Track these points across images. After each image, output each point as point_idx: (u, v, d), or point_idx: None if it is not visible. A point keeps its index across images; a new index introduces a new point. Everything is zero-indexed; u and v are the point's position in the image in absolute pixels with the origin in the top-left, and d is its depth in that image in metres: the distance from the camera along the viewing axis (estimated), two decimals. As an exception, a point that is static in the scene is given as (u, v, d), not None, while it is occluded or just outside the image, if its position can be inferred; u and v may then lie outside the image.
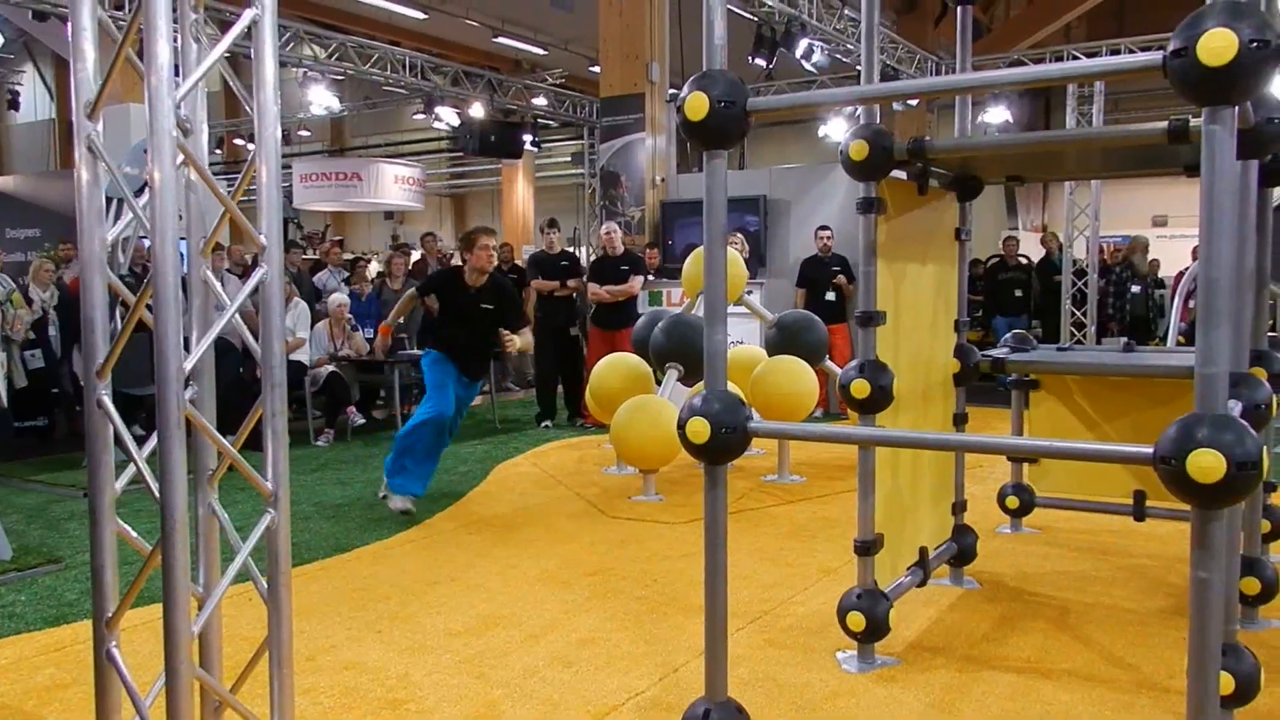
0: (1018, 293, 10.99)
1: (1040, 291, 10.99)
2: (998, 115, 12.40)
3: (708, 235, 2.29)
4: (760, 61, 9.64)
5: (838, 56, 10.23)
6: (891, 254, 3.31)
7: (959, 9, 3.74)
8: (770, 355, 6.34)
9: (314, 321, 8.10)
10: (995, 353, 4.14)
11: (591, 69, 15.11)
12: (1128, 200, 16.12)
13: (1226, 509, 1.83)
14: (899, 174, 3.34)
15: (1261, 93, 1.87)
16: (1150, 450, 1.86)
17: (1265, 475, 3.91)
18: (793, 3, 9.05)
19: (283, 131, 5.24)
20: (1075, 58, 11.17)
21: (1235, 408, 2.55)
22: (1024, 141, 3.75)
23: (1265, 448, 1.83)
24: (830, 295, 8.62)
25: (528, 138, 13.01)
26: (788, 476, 6.04)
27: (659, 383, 6.17)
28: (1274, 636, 3.42)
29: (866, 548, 3.13)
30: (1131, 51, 10.66)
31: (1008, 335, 4.72)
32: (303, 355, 7.73)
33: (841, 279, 8.60)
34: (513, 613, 3.75)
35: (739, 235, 8.23)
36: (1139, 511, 4.12)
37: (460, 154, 19.41)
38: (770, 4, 8.84)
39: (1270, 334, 3.66)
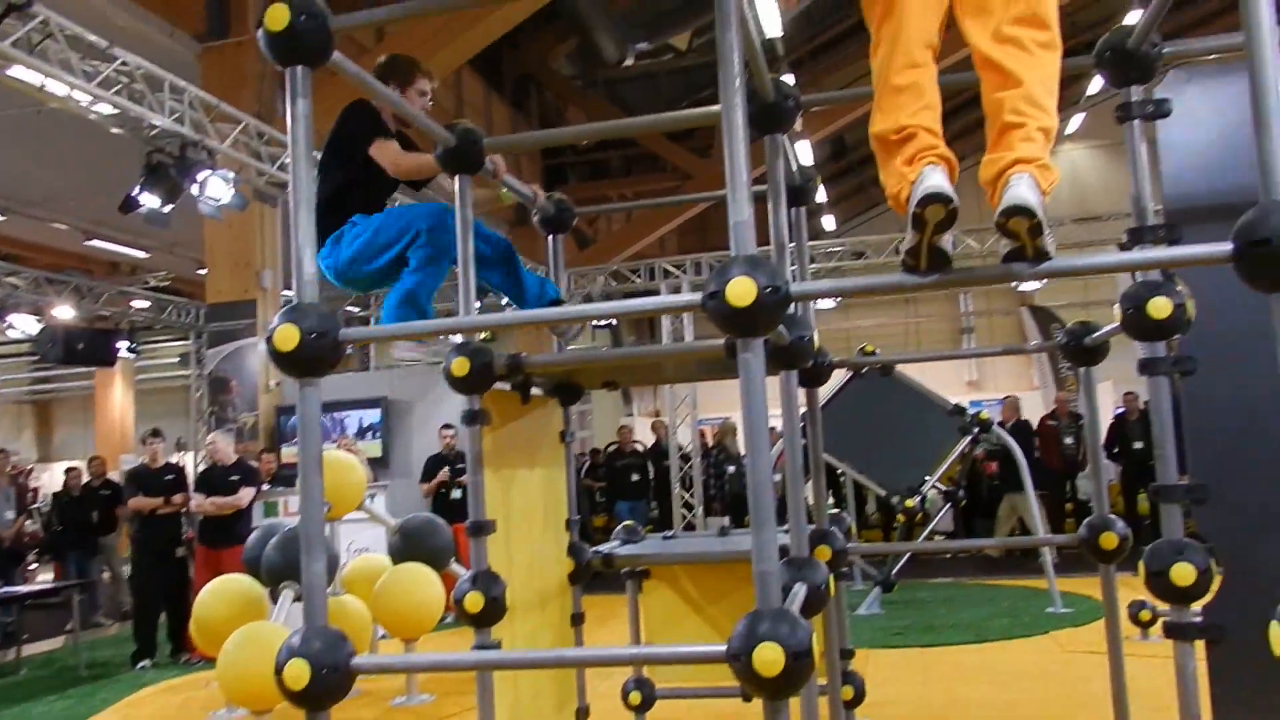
0: (635, 477, 11.70)
1: (655, 475, 11.80)
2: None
3: (302, 465, 2.25)
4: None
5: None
6: (499, 462, 3.42)
7: (550, 238, 4.10)
8: (395, 563, 6.17)
9: None
10: (605, 547, 4.35)
11: (200, 271, 14.47)
12: (726, 383, 17.95)
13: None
14: (502, 385, 3.52)
15: (780, 325, 2.21)
16: (724, 649, 2.03)
17: (845, 641, 4.33)
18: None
19: None
20: (666, 271, 12.53)
21: (800, 591, 2.88)
22: (608, 357, 4.09)
23: (814, 635, 2.06)
24: (456, 493, 8.64)
25: (123, 344, 12.06)
26: (417, 697, 5.79)
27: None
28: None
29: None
30: (711, 267, 12.15)
31: (619, 528, 4.99)
32: None
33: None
34: None
35: (348, 437, 8.09)
36: (744, 693, 4.41)
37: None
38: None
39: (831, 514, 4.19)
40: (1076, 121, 19.02)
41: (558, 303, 3.86)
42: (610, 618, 7.18)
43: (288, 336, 2.21)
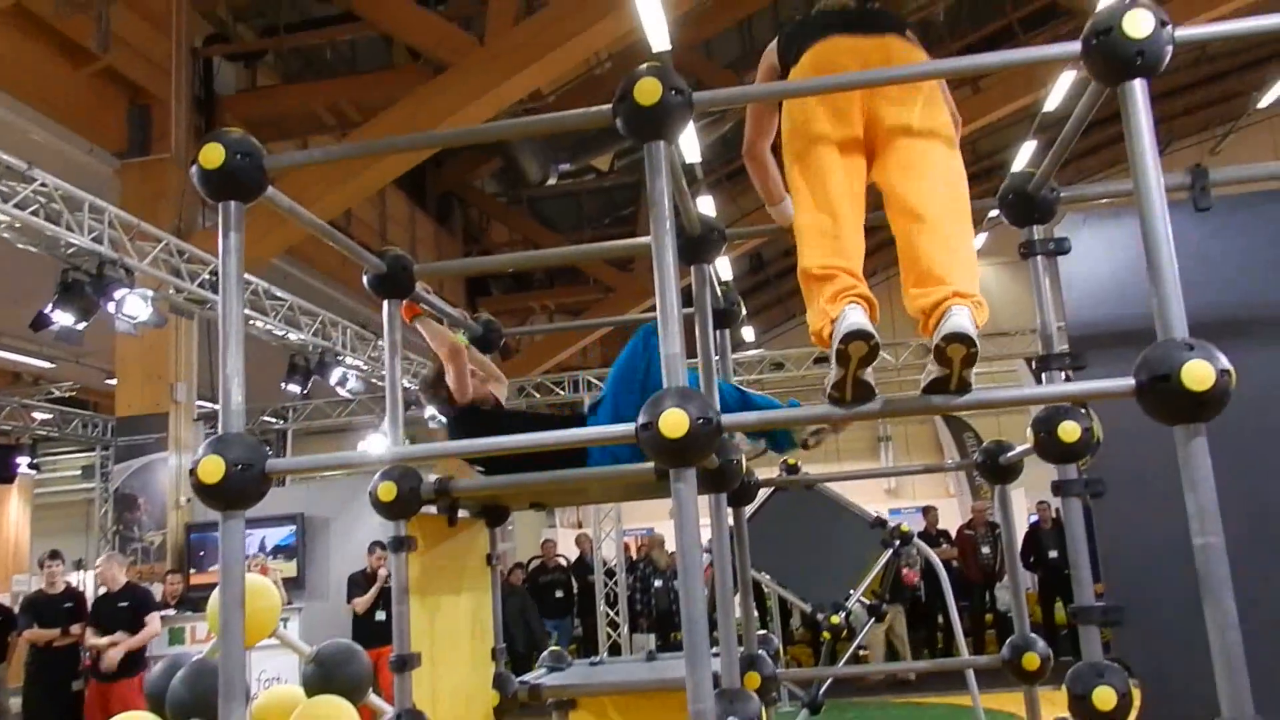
0: (559, 594, 11.48)
1: (579, 591, 11.58)
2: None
3: (223, 604, 2.18)
4: (294, 387, 9.67)
5: (374, 380, 10.59)
6: (425, 589, 3.34)
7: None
8: (309, 694, 5.88)
9: None
10: (531, 677, 4.25)
11: (109, 381, 14.05)
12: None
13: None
14: (429, 508, 3.47)
15: (711, 454, 2.25)
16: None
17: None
18: (325, 335, 9.34)
19: None
20: (590, 383, 12.61)
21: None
22: (537, 480, 4.09)
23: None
24: (380, 615, 8.36)
25: (23, 460, 11.57)
26: (331, 832, 5.46)
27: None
28: None
29: None
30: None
31: (545, 654, 4.88)
32: None
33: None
34: None
35: (260, 556, 7.82)
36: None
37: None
38: (303, 337, 9.04)
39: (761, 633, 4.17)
40: (981, 240, 19.93)
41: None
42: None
43: (212, 469, 2.17)
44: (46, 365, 16.04)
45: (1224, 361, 2.01)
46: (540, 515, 19.33)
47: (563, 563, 11.80)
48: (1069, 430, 2.85)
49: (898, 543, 7.66)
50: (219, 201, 2.27)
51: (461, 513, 3.84)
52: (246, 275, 8.47)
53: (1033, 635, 3.85)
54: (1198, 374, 1.98)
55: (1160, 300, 2.08)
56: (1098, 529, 3.03)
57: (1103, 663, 2.86)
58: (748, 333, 21.68)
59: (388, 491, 3.09)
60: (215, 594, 5.78)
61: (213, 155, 2.23)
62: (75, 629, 7.21)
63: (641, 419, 2.12)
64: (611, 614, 10.64)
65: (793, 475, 5.51)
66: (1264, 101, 17.92)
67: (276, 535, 8.78)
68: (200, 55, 9.84)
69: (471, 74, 8.78)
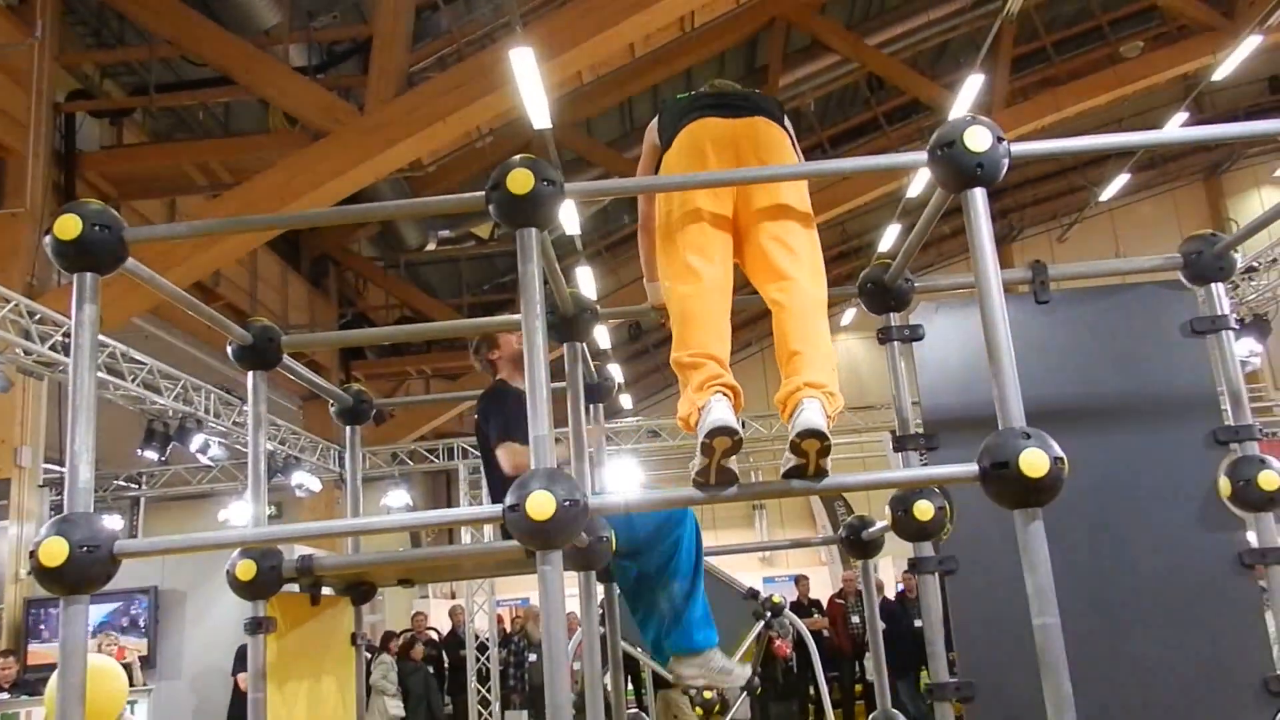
0: (429, 669, 11.13)
1: (450, 667, 11.25)
2: (399, 499, 13.08)
3: (61, 697, 2.06)
4: (151, 454, 9.22)
5: (238, 446, 10.20)
6: (285, 674, 3.23)
7: (348, 429, 4.02)
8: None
9: None
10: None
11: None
12: (523, 568, 17.57)
13: None
14: (291, 587, 3.35)
15: (577, 535, 2.27)
16: None
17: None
18: (187, 400, 8.99)
19: None
20: (465, 451, 12.43)
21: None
22: (406, 558, 4.02)
23: None
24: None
25: None
26: None
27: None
28: None
29: None
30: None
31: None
32: None
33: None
34: None
35: (113, 635, 7.37)
36: None
37: None
38: (161, 402, 8.68)
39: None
40: (850, 315, 20.69)
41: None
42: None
43: (55, 550, 2.07)
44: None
45: (1057, 450, 2.15)
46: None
47: (434, 636, 11.47)
48: (923, 509, 2.99)
49: (769, 614, 7.77)
50: (74, 273, 2.21)
51: (326, 591, 3.73)
52: (103, 338, 8.12)
53: (894, 711, 3.96)
54: (1033, 461, 2.12)
55: (1000, 391, 2.22)
56: (951, 606, 3.15)
57: (955, 738, 2.97)
58: (625, 400, 21.80)
59: (246, 571, 2.98)
60: (54, 678, 5.43)
61: (69, 226, 2.17)
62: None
63: (509, 500, 2.13)
64: (483, 691, 10.36)
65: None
66: (1105, 195, 19.34)
67: (128, 609, 8.28)
68: (62, 110, 9.50)
69: (350, 142, 8.74)
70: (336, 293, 16.01)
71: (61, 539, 2.07)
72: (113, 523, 12.01)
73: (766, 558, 22.29)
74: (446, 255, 16.70)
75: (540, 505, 2.08)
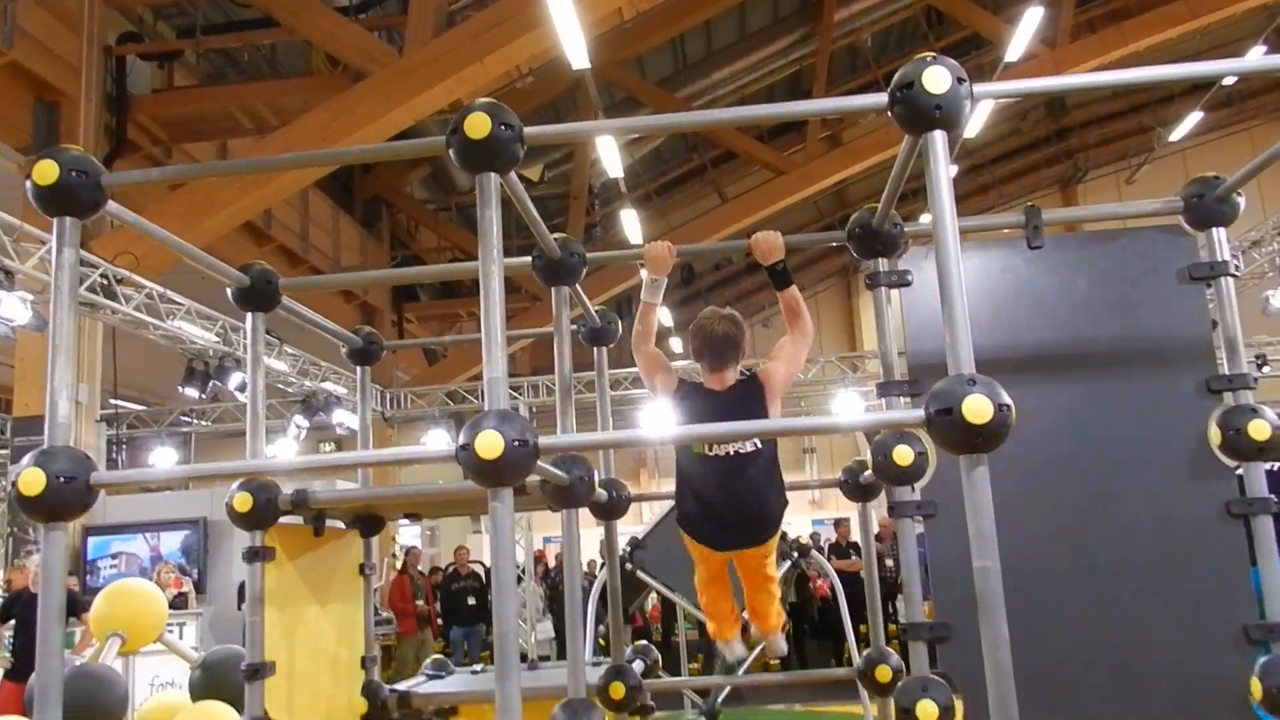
0: (471, 601, 11.44)
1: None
2: (439, 438, 13.20)
3: (43, 615, 2.21)
4: (192, 391, 9.54)
5: (278, 385, 10.50)
6: (285, 599, 3.39)
7: (359, 369, 4.13)
8: (195, 699, 5.84)
9: None
10: (404, 685, 4.29)
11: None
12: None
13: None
14: (294, 519, 3.50)
15: (527, 475, 2.33)
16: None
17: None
18: (227, 340, 9.24)
19: None
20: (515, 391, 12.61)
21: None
22: (401, 494, 4.14)
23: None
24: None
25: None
26: (209, 840, 5.43)
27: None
28: None
29: None
30: (549, 389, 12.35)
31: (427, 662, 4.93)
32: None
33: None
34: None
35: (170, 565, 7.72)
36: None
37: None
38: (200, 341, 8.94)
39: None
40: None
41: None
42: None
43: (33, 481, 2.19)
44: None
45: (1004, 397, 2.14)
46: (466, 521, 19.22)
47: (477, 570, 11.77)
48: (903, 454, 3.00)
49: (796, 554, 7.82)
50: (53, 217, 2.31)
51: (336, 524, 3.89)
52: (140, 279, 8.32)
53: (887, 649, 4.01)
54: (977, 408, 2.11)
55: (951, 337, 2.22)
56: (928, 549, 3.17)
57: (929, 677, 3.01)
58: (675, 344, 21.82)
59: (244, 503, 3.13)
60: (100, 599, 5.73)
61: (46, 172, 2.26)
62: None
63: (461, 439, 2.20)
64: (521, 624, 10.64)
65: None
66: (1175, 135, 18.61)
67: (174, 540, 8.66)
68: (113, 53, 9.68)
69: (390, 84, 8.78)
70: (389, 235, 16.21)
71: (39, 470, 2.19)
72: (167, 455, 12.54)
73: (816, 500, 22.32)
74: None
75: (489, 445, 2.15)
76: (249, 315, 3.30)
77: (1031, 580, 2.96)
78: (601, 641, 7.90)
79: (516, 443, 2.17)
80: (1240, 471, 3.06)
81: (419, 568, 11.53)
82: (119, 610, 5.54)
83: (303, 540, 3.55)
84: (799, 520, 18.32)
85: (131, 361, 11.00)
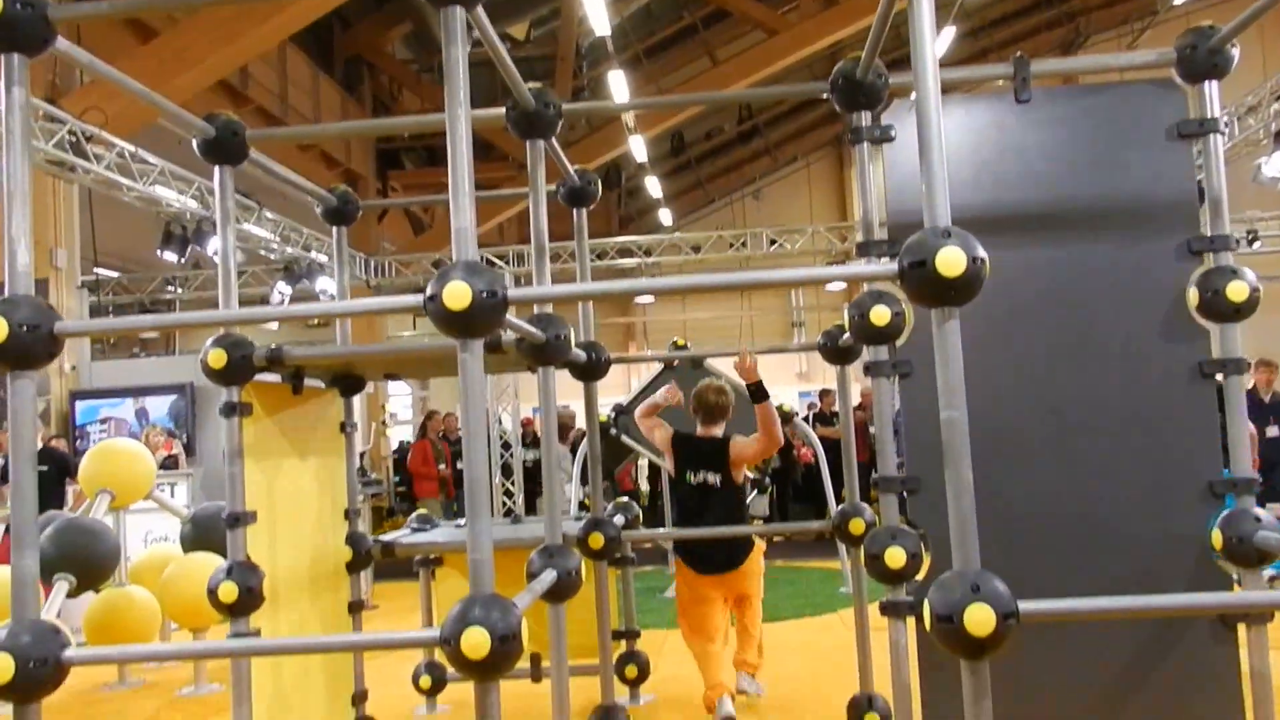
0: (459, 465, 11.66)
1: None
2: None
3: (14, 460, 2.22)
4: (170, 255, 9.41)
5: (259, 252, 10.37)
6: (263, 452, 3.42)
7: (334, 229, 4.07)
8: (186, 552, 6.01)
9: None
10: (390, 536, 4.39)
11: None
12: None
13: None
14: (272, 376, 3.50)
15: (496, 330, 2.32)
16: (438, 633, 2.13)
17: (631, 623, 4.50)
18: (204, 204, 9.07)
19: None
20: (490, 261, 12.51)
21: (548, 577, 3.02)
22: (379, 351, 4.12)
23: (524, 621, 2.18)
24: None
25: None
26: (205, 687, 5.67)
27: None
28: None
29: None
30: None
31: (414, 515, 5.04)
32: None
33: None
34: None
35: (158, 428, 7.80)
36: (535, 673, 4.54)
37: None
38: (176, 204, 8.76)
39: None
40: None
41: None
42: (402, 606, 7.27)
43: (-4, 330, 2.16)
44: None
45: (978, 250, 2.10)
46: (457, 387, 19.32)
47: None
48: (879, 314, 2.99)
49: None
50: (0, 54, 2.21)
51: (315, 383, 3.89)
52: (111, 138, 8.10)
53: (861, 504, 4.10)
54: (950, 260, 2.08)
55: (928, 189, 2.17)
56: (903, 407, 3.20)
57: (898, 527, 3.09)
58: (665, 216, 21.59)
59: (218, 359, 3.11)
60: (89, 457, 5.81)
61: (-11, 6, 2.16)
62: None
63: (429, 290, 2.17)
64: (507, 484, 10.87)
65: (680, 351, 5.75)
66: (1180, -2, 18.05)
67: (161, 405, 8.73)
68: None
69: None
70: (371, 98, 15.78)
71: (2, 319, 2.16)
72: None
73: (804, 373, 22.53)
74: (482, 58, 16.19)
75: (457, 295, 2.12)
76: (216, 169, 3.21)
77: (1001, 435, 3.00)
78: (586, 501, 8.07)
79: (485, 294, 2.15)
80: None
81: (439, 433, 11.49)
82: (106, 468, 5.64)
83: (282, 398, 3.56)
84: (786, 392, 18.55)
85: (112, 229, 10.84)
